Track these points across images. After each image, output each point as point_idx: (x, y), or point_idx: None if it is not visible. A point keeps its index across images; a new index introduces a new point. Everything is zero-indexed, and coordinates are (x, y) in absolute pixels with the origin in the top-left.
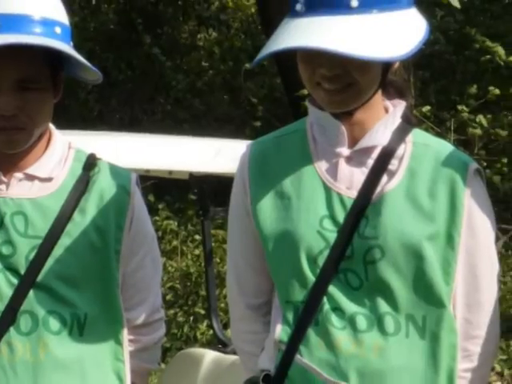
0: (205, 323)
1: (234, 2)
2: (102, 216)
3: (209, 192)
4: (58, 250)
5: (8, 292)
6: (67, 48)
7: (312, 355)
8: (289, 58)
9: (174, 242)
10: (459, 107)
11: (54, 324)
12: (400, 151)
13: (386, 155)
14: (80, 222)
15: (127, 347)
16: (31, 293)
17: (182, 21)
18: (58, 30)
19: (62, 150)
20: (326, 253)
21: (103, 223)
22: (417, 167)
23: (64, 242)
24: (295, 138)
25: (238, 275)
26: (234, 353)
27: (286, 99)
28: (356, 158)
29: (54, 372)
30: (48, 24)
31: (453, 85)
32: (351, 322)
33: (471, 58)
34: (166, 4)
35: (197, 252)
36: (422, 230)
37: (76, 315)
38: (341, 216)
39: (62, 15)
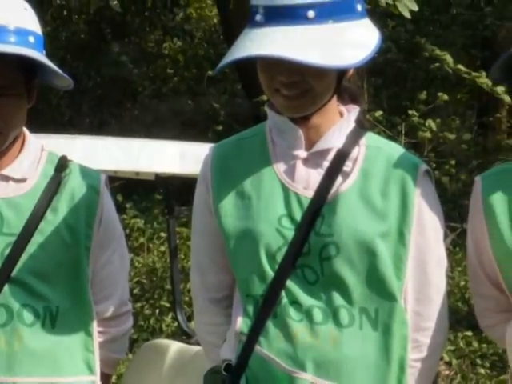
0: (170, 316)
1: (198, 12)
2: (72, 214)
3: (174, 192)
4: (32, 247)
5: None
6: (40, 56)
7: (271, 346)
8: (249, 66)
9: (141, 239)
10: (410, 112)
11: (28, 317)
12: (354, 153)
13: (341, 157)
14: (52, 220)
15: (96, 338)
16: (6, 287)
17: (149, 31)
18: (31, 39)
19: (35, 153)
20: (284, 249)
21: (74, 221)
22: (370, 168)
23: (37, 239)
24: (255, 140)
25: (201, 271)
26: (198, 344)
27: (246, 104)
28: (312, 160)
29: (28, 361)
30: (22, 33)
31: (404, 91)
32: (308, 315)
33: (421, 66)
34: (133, 15)
35: (162, 248)
36: (374, 227)
37: (48, 308)
38: (298, 215)
39: (35, 25)
